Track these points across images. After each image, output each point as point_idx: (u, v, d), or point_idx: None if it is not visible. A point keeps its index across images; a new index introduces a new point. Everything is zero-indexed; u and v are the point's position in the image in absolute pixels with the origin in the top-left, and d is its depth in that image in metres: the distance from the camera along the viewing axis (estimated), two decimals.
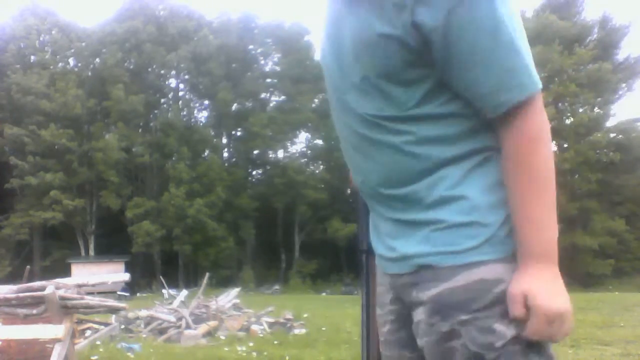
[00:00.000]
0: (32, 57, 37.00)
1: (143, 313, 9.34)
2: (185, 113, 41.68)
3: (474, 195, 0.99)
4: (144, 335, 8.23)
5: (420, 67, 0.97)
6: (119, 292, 24.33)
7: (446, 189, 1.00)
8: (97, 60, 38.18)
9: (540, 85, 0.95)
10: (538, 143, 0.95)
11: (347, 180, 1.41)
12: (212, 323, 8.56)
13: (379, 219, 1.13)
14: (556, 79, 33.36)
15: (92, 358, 5.87)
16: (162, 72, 40.06)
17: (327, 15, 1.15)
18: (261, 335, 8.23)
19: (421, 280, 1.01)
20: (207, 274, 13.48)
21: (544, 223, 0.98)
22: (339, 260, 36.38)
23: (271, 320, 9.57)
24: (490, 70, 0.92)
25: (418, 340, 1.05)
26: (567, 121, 34.37)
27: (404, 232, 1.05)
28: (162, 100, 41.49)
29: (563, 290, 0.96)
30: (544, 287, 0.93)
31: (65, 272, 28.60)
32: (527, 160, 0.95)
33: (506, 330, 0.94)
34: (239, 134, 41.84)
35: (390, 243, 1.08)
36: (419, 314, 1.02)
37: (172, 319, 8.81)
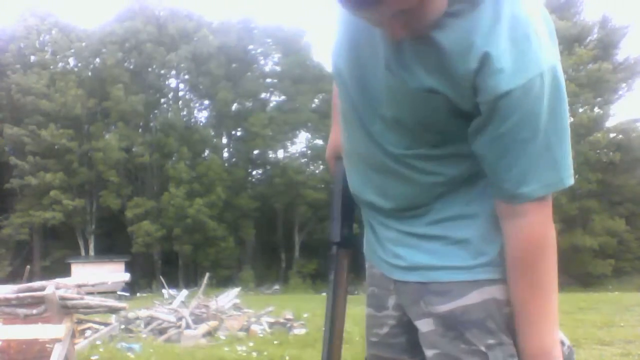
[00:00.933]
0: (32, 57, 37.00)
1: (143, 313, 9.33)
2: (185, 113, 41.68)
3: (486, 214, 0.98)
4: (144, 335, 8.22)
5: (465, 119, 0.93)
6: (119, 292, 24.31)
7: (460, 206, 0.99)
8: (97, 60, 38.18)
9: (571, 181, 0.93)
10: (546, 248, 0.95)
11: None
12: (212, 323, 8.56)
13: (379, 225, 1.11)
14: None
15: (92, 358, 5.87)
16: (162, 72, 40.07)
17: (345, 32, 1.03)
18: (261, 335, 8.23)
19: (430, 293, 1.01)
20: (207, 274, 13.48)
21: (541, 327, 0.96)
22: None
23: (271, 320, 9.57)
24: (529, 160, 0.89)
25: (426, 350, 1.04)
26: None
27: (410, 241, 1.04)
28: (162, 100, 41.49)
29: None
30: None
31: (65, 272, 28.59)
32: (532, 264, 0.94)
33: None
34: (239, 134, 41.83)
35: (395, 250, 1.07)
36: (427, 325, 1.02)
37: (172, 319, 8.81)
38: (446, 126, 0.94)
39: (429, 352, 1.03)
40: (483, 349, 0.96)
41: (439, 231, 1.00)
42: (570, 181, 0.93)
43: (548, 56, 0.90)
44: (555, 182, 0.91)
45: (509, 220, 0.94)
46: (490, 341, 0.96)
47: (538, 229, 0.93)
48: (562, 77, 0.92)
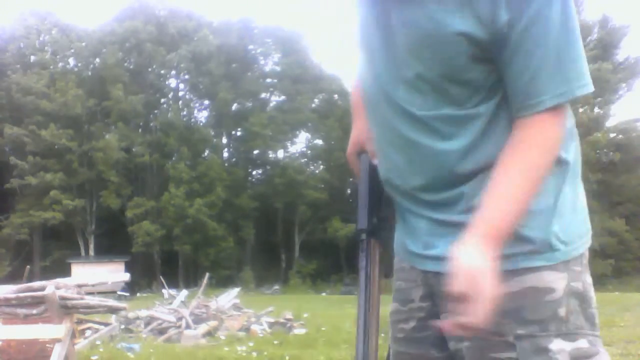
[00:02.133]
0: (32, 57, 37.02)
1: (143, 313, 9.34)
2: (185, 113, 41.68)
3: None
4: (144, 335, 8.22)
5: (484, 63, 0.93)
6: (119, 292, 24.30)
7: None
8: (97, 60, 38.19)
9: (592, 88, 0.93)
10: (550, 156, 0.93)
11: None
12: (212, 323, 8.56)
13: (410, 215, 1.08)
14: None
15: (92, 358, 5.87)
16: (162, 72, 40.08)
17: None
18: (261, 335, 8.23)
19: None
20: (207, 274, 13.48)
21: (510, 207, 0.91)
22: (339, 260, 36.38)
23: (271, 320, 9.57)
24: (557, 57, 0.89)
25: (453, 343, 1.01)
26: None
27: (444, 231, 1.01)
28: (162, 100, 41.51)
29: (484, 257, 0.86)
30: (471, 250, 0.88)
31: (65, 272, 28.59)
32: (530, 164, 0.91)
33: (560, 351, 0.92)
34: (239, 134, 41.84)
35: (427, 240, 1.04)
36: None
37: (172, 319, 8.81)
38: (469, 73, 0.94)
39: (457, 345, 1.00)
40: (511, 339, 0.93)
41: (470, 218, 0.93)
42: (582, 91, 0.92)
43: None
44: (565, 92, 0.90)
45: (522, 130, 0.93)
46: (520, 331, 0.93)
47: (550, 141, 0.92)
48: None
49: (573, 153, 1.00)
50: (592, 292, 1.02)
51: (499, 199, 0.90)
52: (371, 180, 1.16)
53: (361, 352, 0.99)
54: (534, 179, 0.91)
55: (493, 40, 0.90)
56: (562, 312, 0.94)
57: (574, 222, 1.03)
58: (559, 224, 0.97)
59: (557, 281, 0.95)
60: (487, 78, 0.94)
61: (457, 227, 0.97)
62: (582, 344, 0.94)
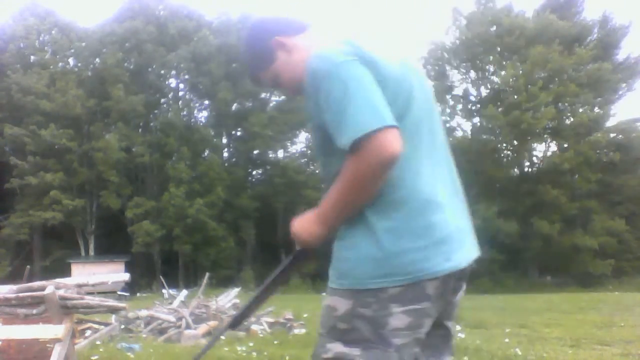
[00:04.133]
0: (32, 57, 37.00)
1: (143, 313, 9.33)
2: (185, 113, 41.67)
3: (340, 235, 1.40)
4: (144, 335, 8.22)
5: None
6: (119, 292, 24.30)
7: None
8: (97, 60, 38.16)
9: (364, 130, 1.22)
10: (353, 184, 1.27)
11: None
12: (212, 323, 8.56)
13: None
14: (556, 79, 33.36)
15: (92, 358, 5.87)
16: (162, 72, 40.06)
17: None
18: (261, 335, 8.23)
19: None
20: (207, 274, 13.46)
21: (318, 217, 1.47)
22: None
23: (271, 320, 9.57)
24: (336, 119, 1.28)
25: None
26: (567, 121, 34.37)
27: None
28: (162, 100, 41.49)
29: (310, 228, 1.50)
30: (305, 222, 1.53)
31: (65, 272, 28.60)
32: (342, 189, 1.31)
33: (332, 349, 1.31)
34: (239, 134, 41.82)
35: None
36: None
37: (172, 319, 8.80)
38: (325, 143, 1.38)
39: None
40: (320, 331, 1.38)
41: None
42: (343, 142, 1.23)
43: (310, 61, 1.31)
44: (340, 143, 1.25)
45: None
46: (321, 330, 1.37)
47: (346, 172, 1.26)
48: (317, 68, 1.29)
49: (386, 220, 1.27)
50: (391, 320, 1.24)
51: (325, 199, 1.40)
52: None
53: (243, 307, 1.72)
54: (339, 193, 1.32)
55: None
56: (342, 325, 1.29)
57: (367, 266, 1.27)
58: (349, 265, 1.30)
59: (340, 304, 1.30)
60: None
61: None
62: (355, 351, 1.26)
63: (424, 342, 1.34)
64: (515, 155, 36.00)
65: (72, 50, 37.65)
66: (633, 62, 34.97)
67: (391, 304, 1.24)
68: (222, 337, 7.83)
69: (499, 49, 35.25)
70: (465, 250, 1.34)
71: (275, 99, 42.11)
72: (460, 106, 37.82)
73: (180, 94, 42.37)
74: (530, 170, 36.50)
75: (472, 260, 1.37)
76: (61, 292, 3.92)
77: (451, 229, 1.30)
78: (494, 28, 35.13)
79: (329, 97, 1.24)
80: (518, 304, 15.56)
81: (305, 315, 10.91)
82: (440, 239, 1.27)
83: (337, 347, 1.29)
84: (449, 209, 1.33)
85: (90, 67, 38.34)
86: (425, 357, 1.39)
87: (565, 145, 33.08)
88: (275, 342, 7.30)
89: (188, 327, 8.35)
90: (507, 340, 6.93)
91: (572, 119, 33.95)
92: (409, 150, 1.27)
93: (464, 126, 38.67)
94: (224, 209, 35.62)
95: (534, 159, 36.86)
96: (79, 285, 4.40)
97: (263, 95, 41.50)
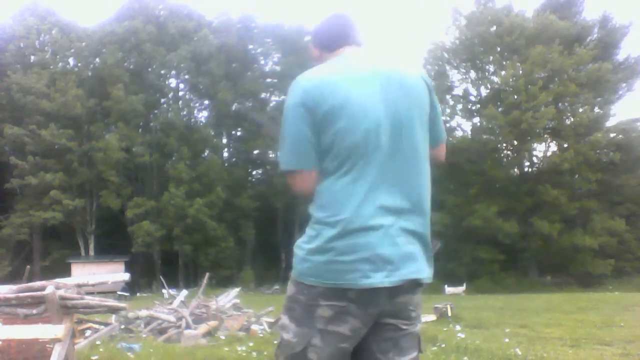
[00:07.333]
0: (32, 57, 37.00)
1: (143, 313, 9.31)
2: (185, 113, 41.67)
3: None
4: (144, 335, 8.21)
5: None
6: (119, 292, 24.33)
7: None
8: (97, 60, 38.18)
9: (284, 168, 1.57)
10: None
11: None
12: (212, 323, 8.55)
13: None
14: (556, 79, 33.36)
15: (92, 358, 5.87)
16: (162, 72, 40.06)
17: None
18: (261, 335, 8.22)
19: None
20: (207, 274, 13.44)
21: None
22: None
23: (271, 320, 9.55)
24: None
25: None
26: (567, 121, 34.36)
27: None
28: (162, 100, 41.49)
29: None
30: None
31: (65, 272, 28.60)
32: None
33: (281, 319, 1.63)
34: (239, 134, 41.81)
35: None
36: None
37: (172, 319, 8.80)
38: None
39: None
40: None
41: None
42: (282, 167, 1.57)
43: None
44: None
45: None
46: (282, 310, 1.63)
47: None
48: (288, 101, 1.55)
49: (319, 239, 1.49)
50: (318, 309, 1.51)
51: None
52: None
53: None
54: None
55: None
56: (288, 304, 1.59)
57: (305, 266, 1.52)
58: (296, 260, 1.56)
59: (290, 288, 1.60)
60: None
61: None
62: (292, 326, 1.56)
63: (383, 346, 1.58)
64: (515, 155, 36.00)
65: (72, 50, 37.65)
66: (633, 62, 34.98)
67: (319, 298, 1.49)
68: (222, 337, 7.83)
69: (499, 48, 35.25)
70: (391, 272, 1.46)
71: (275, 99, 42.15)
72: (460, 106, 37.83)
73: (180, 94, 42.40)
74: (530, 170, 36.50)
75: (401, 281, 1.48)
76: (61, 292, 3.92)
77: (377, 252, 1.45)
78: (494, 28, 35.12)
79: (281, 126, 1.57)
80: (518, 304, 15.56)
81: None
82: (363, 258, 1.44)
83: (284, 319, 1.59)
84: (382, 233, 1.47)
85: (90, 67, 38.34)
86: (384, 354, 1.60)
87: (565, 145, 33.07)
88: (275, 342, 7.28)
89: (188, 327, 8.34)
90: (507, 340, 6.92)
91: (572, 119, 33.94)
92: (346, 179, 1.48)
93: (464, 126, 38.74)
94: (224, 209, 35.62)
95: (534, 159, 36.90)
96: (79, 285, 4.40)
97: (263, 95, 41.57)
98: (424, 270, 1.55)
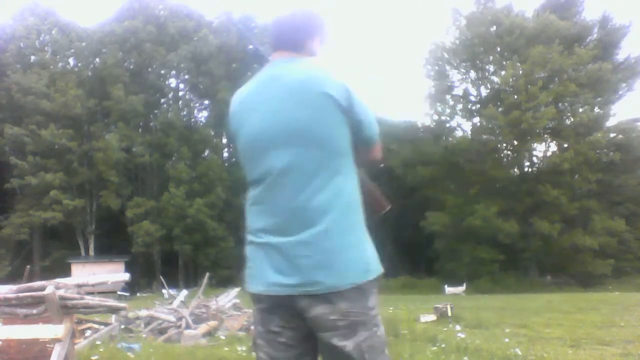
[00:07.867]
0: (32, 57, 37.00)
1: (143, 313, 9.31)
2: (185, 113, 41.66)
3: None
4: (144, 335, 8.21)
5: None
6: (119, 292, 24.32)
7: None
8: (97, 60, 38.18)
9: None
10: None
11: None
12: (212, 323, 8.55)
13: None
14: (556, 79, 33.37)
15: (92, 358, 5.87)
16: (162, 72, 40.06)
17: None
18: None
19: None
20: (207, 274, 13.45)
21: None
22: None
23: None
24: None
25: None
26: (567, 121, 34.37)
27: None
28: (162, 100, 41.48)
29: None
30: None
31: (65, 272, 28.60)
32: None
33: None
34: None
35: None
36: None
37: (172, 319, 8.80)
38: None
39: None
40: None
41: None
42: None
43: None
44: None
45: None
46: None
47: None
48: None
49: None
50: (254, 312, 1.69)
51: None
52: None
53: None
54: None
55: None
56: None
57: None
58: None
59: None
60: None
61: None
62: (253, 324, 1.71)
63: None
64: (515, 155, 36.00)
65: (72, 50, 37.66)
66: (633, 62, 34.98)
67: (252, 302, 1.64)
68: (223, 337, 7.83)
69: (499, 49, 35.25)
70: (268, 280, 1.53)
71: None
72: (460, 106, 37.82)
73: (180, 94, 42.39)
74: (530, 170, 36.49)
75: (274, 290, 1.51)
76: (61, 292, 3.91)
77: (257, 263, 1.59)
78: (494, 28, 35.12)
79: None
80: (518, 304, 15.56)
81: None
82: (249, 267, 1.63)
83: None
84: (263, 244, 1.57)
85: (90, 67, 38.35)
86: None
87: (565, 145, 33.07)
88: None
89: (188, 327, 8.34)
90: (507, 340, 6.92)
91: (572, 119, 33.95)
92: (254, 192, 1.62)
93: (464, 126, 38.72)
94: (224, 209, 35.62)
95: (534, 159, 36.89)
96: (79, 285, 4.40)
97: None
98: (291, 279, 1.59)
